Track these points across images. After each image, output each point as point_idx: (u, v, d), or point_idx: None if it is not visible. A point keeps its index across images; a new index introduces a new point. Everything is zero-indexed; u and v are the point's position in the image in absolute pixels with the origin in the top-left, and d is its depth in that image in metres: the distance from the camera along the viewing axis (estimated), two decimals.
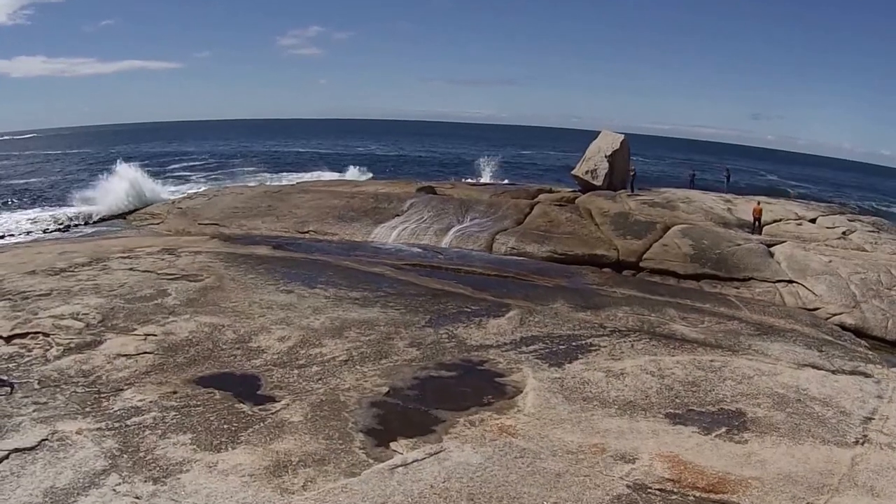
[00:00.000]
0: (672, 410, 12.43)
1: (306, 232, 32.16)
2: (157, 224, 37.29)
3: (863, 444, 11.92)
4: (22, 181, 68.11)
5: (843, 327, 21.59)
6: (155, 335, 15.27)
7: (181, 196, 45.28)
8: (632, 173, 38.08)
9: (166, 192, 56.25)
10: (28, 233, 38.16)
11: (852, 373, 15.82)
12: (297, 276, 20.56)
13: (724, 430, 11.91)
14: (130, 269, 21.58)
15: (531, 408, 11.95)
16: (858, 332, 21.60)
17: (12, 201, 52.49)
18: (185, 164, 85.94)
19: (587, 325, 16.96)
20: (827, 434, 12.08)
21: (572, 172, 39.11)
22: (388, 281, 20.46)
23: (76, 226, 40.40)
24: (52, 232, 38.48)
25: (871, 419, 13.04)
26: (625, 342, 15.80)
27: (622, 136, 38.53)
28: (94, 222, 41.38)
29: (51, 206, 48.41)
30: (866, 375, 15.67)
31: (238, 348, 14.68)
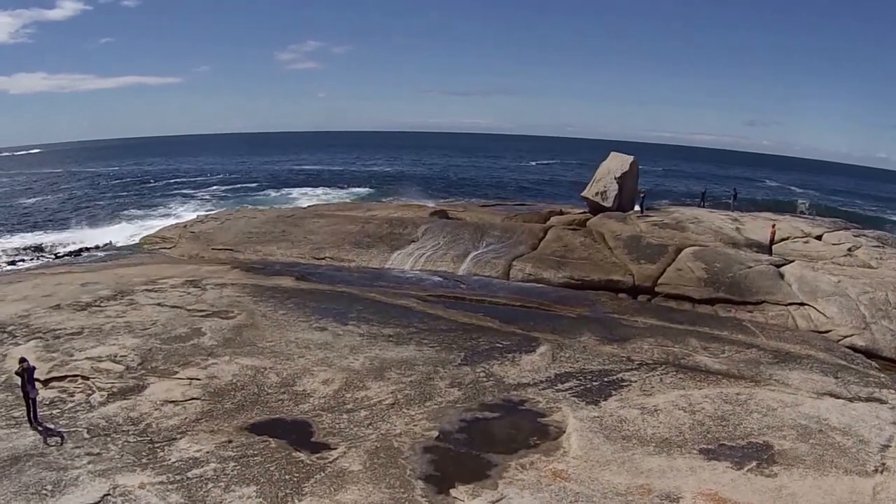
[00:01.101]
0: (705, 446, 13.26)
1: (323, 258, 32.79)
2: (170, 248, 37.71)
3: (882, 472, 12.79)
4: (30, 201, 68.99)
5: (855, 349, 22.34)
6: (199, 379, 16.03)
7: (192, 219, 45.62)
8: (642, 195, 38.95)
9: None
10: (38, 257, 38.96)
11: (868, 399, 16.67)
12: (328, 312, 21.34)
13: (754, 463, 12.75)
14: (158, 304, 22.35)
15: (577, 449, 12.76)
16: (869, 354, 22.34)
17: (21, 223, 53.25)
18: (189, 180, 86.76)
19: (616, 359, 17.79)
20: (849, 464, 12.95)
21: (582, 194, 39.94)
22: (416, 315, 21.26)
23: (87, 249, 41.18)
24: (63, 257, 39.23)
25: (888, 446, 13.92)
26: (654, 376, 16.63)
27: (632, 158, 39.43)
28: (104, 246, 42.26)
29: (60, 229, 49.25)
30: (881, 402, 16.53)
31: (284, 392, 15.45)
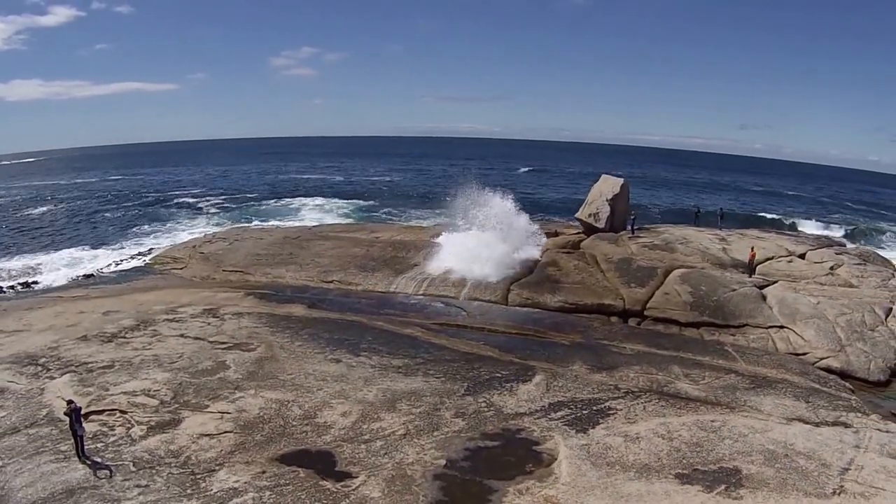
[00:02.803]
0: (680, 471, 15.27)
1: (331, 282, 34.63)
2: (181, 269, 39.44)
3: (839, 494, 14.73)
4: (36, 212, 70.62)
5: (830, 371, 24.29)
6: (229, 413, 17.97)
7: (201, 238, 47.45)
8: (632, 216, 40.92)
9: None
10: (52, 280, 40.25)
11: (834, 423, 18.59)
12: (341, 343, 23.33)
13: (723, 487, 14.75)
14: (181, 335, 24.33)
15: (566, 476, 14.79)
16: (843, 375, 24.27)
17: (30, 240, 54.54)
18: (190, 191, 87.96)
19: (604, 387, 19.83)
20: (809, 487, 14.90)
21: (576, 216, 41.90)
22: (422, 345, 23.28)
23: (99, 270, 42.82)
24: (77, 279, 40.74)
25: (847, 469, 15.84)
26: (638, 404, 18.66)
27: (622, 181, 41.45)
28: (116, 266, 43.87)
29: (69, 246, 50.86)
30: (846, 426, 18.43)
31: (307, 424, 17.42)
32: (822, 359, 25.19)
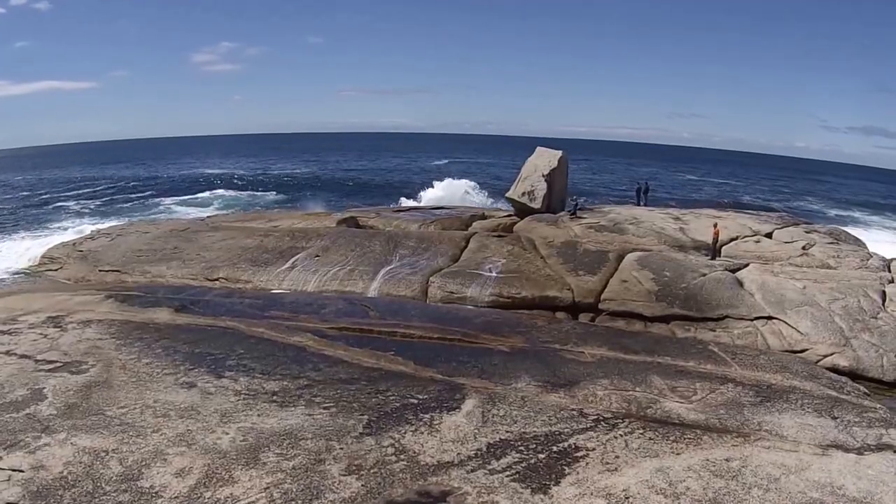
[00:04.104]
0: None
1: (216, 279, 28.81)
2: (56, 271, 33.71)
3: None
4: None
5: (837, 370, 19.57)
6: (21, 471, 11.56)
7: (82, 236, 40.92)
8: (575, 201, 35.72)
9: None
10: None
11: (879, 448, 13.58)
12: (202, 358, 17.05)
13: None
14: (7, 352, 17.73)
15: None
16: (853, 375, 19.60)
17: None
18: (89, 190, 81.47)
19: (565, 413, 14.04)
20: None
21: (507, 195, 36.46)
22: (311, 359, 17.11)
23: None
24: None
25: None
26: (616, 439, 12.96)
27: (559, 153, 36.13)
28: None
29: None
30: (894, 450, 13.48)
31: (125, 490, 11.07)
32: (825, 356, 20.41)
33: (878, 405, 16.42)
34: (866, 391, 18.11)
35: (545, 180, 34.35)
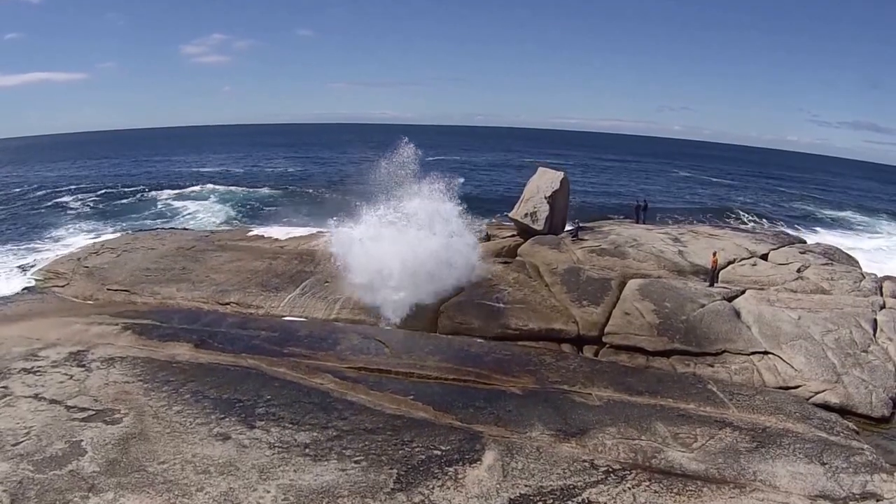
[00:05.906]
0: None
1: (228, 303, 29.92)
2: (63, 287, 34.32)
3: None
4: None
5: (827, 407, 21.14)
6: None
7: (86, 248, 41.58)
8: (577, 223, 37.17)
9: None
10: None
11: (863, 496, 15.28)
12: (231, 406, 18.29)
13: None
14: (35, 395, 18.69)
15: None
16: (843, 411, 21.18)
17: None
18: (84, 186, 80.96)
19: (577, 466, 15.59)
20: None
21: (510, 215, 37.82)
22: (336, 406, 18.48)
23: None
24: None
25: None
26: (624, 492, 14.55)
27: (561, 174, 37.50)
28: None
29: None
30: (877, 499, 15.13)
31: None
32: (817, 392, 21.93)
33: (865, 446, 18.04)
34: (855, 428, 19.66)
35: (548, 202, 35.74)
